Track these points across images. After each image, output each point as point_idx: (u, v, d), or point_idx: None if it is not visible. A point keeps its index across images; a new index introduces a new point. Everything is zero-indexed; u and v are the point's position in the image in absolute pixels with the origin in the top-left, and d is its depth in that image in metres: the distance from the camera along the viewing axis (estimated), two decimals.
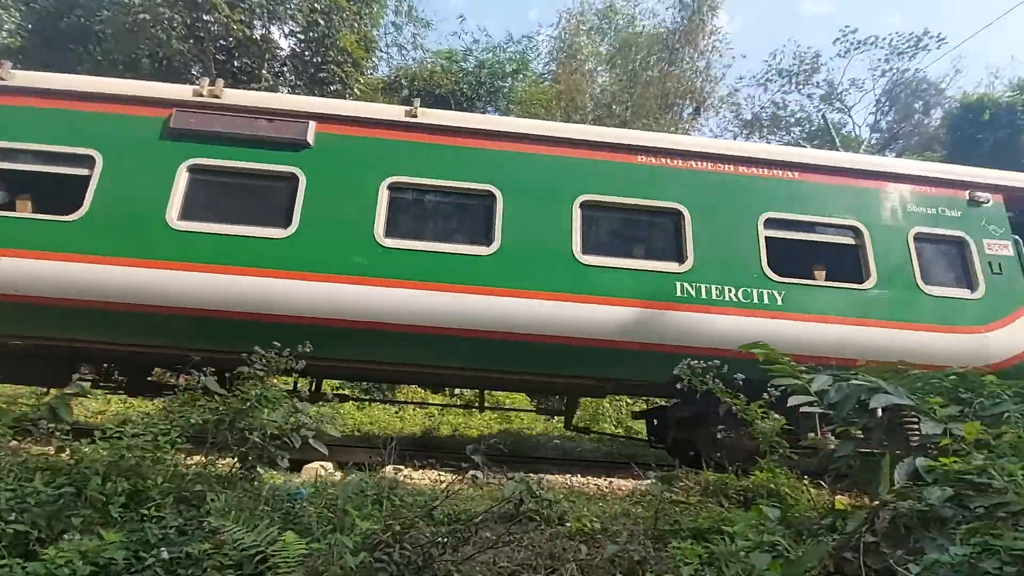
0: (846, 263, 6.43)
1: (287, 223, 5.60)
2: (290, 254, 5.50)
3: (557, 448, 8.18)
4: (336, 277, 5.48)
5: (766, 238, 6.24)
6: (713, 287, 5.96)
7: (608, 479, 5.01)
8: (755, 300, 5.97)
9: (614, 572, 2.89)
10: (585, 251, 5.99)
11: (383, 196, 5.81)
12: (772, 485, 3.86)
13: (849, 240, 6.48)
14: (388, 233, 5.73)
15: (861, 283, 6.23)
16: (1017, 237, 6.59)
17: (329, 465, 4.96)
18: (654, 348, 5.79)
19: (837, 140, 26.68)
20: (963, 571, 1.89)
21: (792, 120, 29.70)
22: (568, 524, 3.43)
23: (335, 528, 2.74)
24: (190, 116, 5.75)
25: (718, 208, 6.32)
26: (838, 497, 3.66)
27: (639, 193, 6.31)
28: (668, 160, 6.49)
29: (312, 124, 5.89)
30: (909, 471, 2.50)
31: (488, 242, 5.90)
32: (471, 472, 3.88)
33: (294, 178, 5.75)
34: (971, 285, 6.36)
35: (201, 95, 5.84)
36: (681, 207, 6.24)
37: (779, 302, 5.98)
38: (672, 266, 6.06)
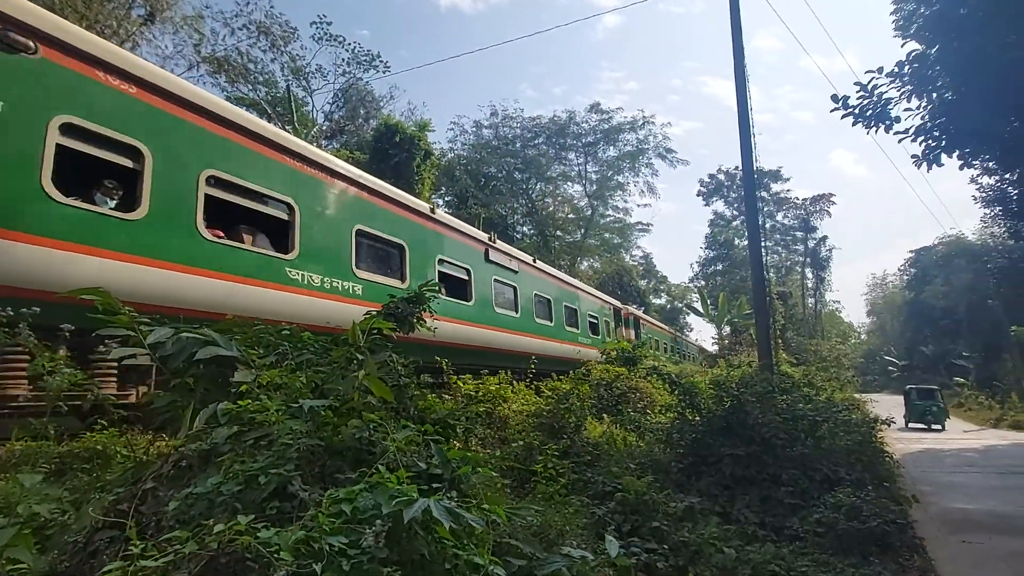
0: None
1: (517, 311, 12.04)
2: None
3: None
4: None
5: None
6: None
7: None
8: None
9: None
10: None
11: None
12: (99, 447, 3.52)
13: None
14: None
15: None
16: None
17: None
18: None
19: (295, 116, 28.60)
20: (210, 497, 2.17)
21: (260, 78, 29.73)
22: None
23: None
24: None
25: None
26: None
27: None
28: None
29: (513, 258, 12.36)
30: (209, 416, 2.72)
31: None
32: None
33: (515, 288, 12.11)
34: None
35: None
36: None
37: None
38: None
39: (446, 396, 7.05)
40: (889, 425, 8.97)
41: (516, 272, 12.13)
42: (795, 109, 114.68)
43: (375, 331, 3.54)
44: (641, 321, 24.16)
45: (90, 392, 3.01)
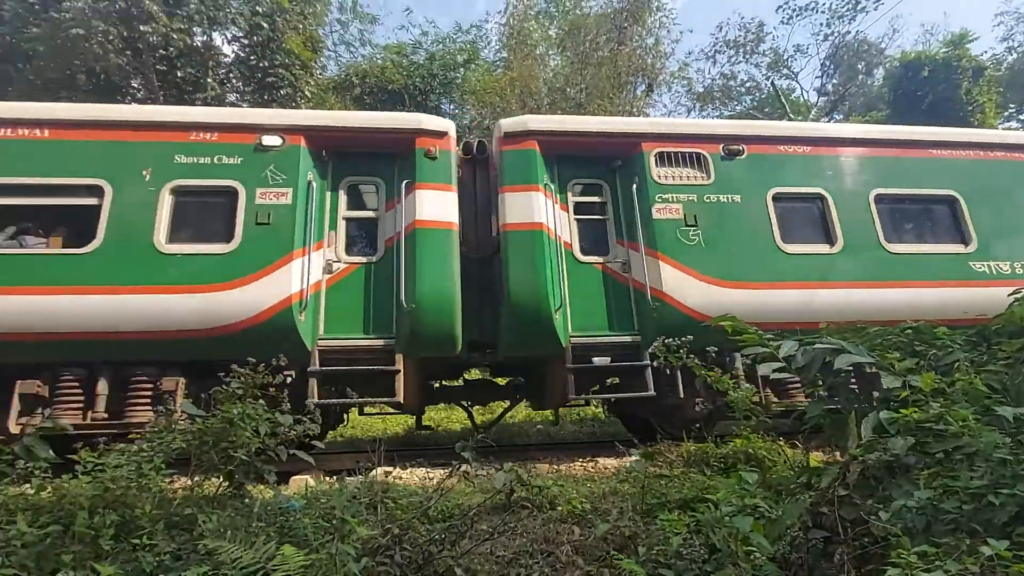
0: None
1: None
2: None
3: (541, 433, 8.30)
4: None
5: None
6: None
7: (593, 459, 5.13)
8: None
9: (607, 549, 3.00)
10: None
11: None
12: (750, 450, 4.05)
13: None
14: None
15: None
16: None
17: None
18: None
19: (787, 106, 27.45)
20: (927, 513, 2.05)
21: (743, 90, 30.37)
22: (559, 508, 3.53)
23: (334, 537, 2.75)
24: None
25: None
26: (812, 455, 3.85)
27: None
28: None
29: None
30: (874, 425, 2.66)
31: None
32: (461, 467, 3.92)
33: None
34: None
35: None
36: None
37: None
38: None
39: None
40: None
41: None
42: None
43: None
44: None
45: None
